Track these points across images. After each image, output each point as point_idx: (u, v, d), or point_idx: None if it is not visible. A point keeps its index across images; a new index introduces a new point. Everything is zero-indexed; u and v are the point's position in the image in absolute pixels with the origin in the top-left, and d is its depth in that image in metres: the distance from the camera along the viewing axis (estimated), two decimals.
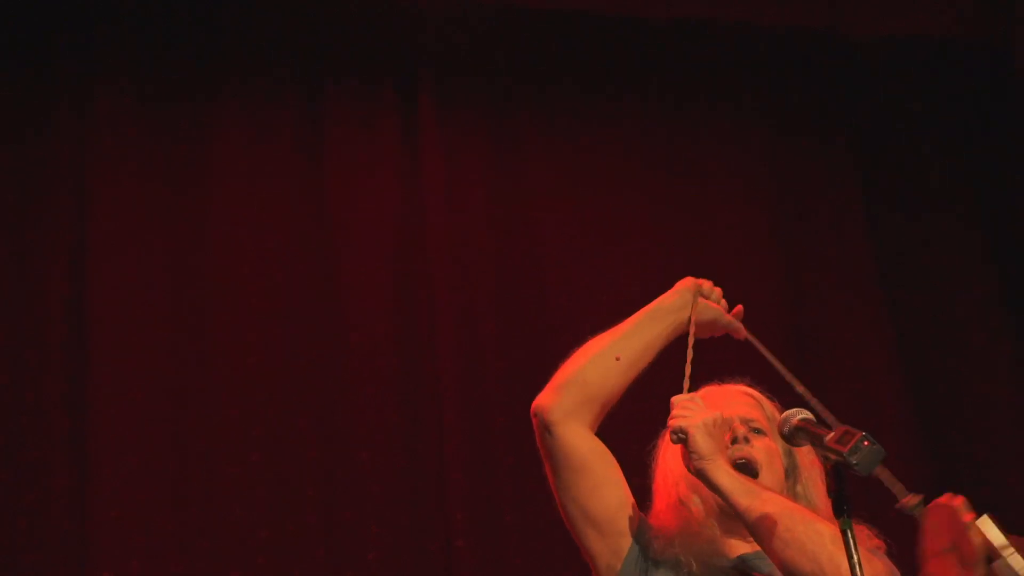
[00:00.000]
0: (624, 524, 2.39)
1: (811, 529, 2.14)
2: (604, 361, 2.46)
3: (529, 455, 4.46)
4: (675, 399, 2.34)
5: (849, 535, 1.97)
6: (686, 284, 2.59)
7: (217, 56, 4.72)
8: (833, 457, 2.02)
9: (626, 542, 2.39)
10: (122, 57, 4.61)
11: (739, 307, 2.64)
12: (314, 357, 4.48)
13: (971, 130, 5.44)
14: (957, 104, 5.45)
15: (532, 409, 2.48)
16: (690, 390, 2.42)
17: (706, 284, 2.60)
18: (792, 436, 2.19)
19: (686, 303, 2.55)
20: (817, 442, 2.08)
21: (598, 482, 2.41)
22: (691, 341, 2.49)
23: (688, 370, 2.43)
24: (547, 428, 2.43)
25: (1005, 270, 5.24)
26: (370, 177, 4.72)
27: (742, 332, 2.63)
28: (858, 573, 1.93)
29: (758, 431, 2.46)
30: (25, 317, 4.28)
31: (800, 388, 2.45)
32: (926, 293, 5.17)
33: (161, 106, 4.60)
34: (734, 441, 2.41)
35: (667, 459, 2.51)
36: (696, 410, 2.30)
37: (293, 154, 4.69)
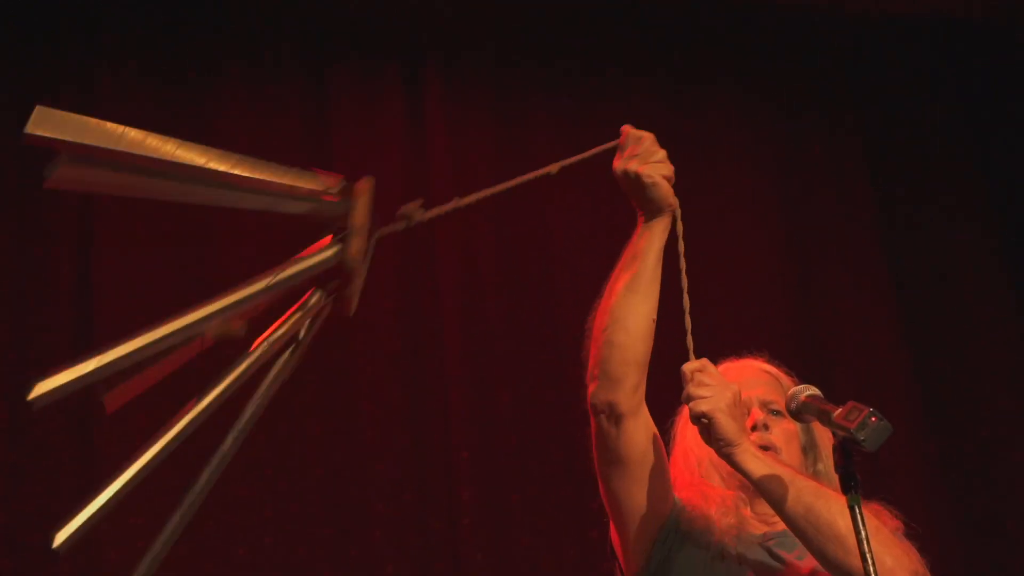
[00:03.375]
0: (665, 509, 2.35)
1: (851, 522, 2.08)
2: (644, 330, 2.31)
3: (534, 435, 4.49)
4: (687, 369, 2.24)
5: (857, 511, 1.97)
6: (667, 201, 2.38)
7: (221, 35, 4.71)
8: (840, 433, 2.01)
9: (661, 525, 2.35)
10: (127, 37, 4.61)
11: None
12: (319, 338, 4.46)
13: (978, 109, 5.43)
14: (964, 84, 5.43)
15: (595, 406, 2.31)
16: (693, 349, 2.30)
17: (653, 173, 2.38)
18: (799, 412, 2.18)
19: (667, 228, 2.39)
20: (824, 418, 2.07)
21: (645, 474, 2.33)
22: (687, 305, 2.33)
23: (689, 323, 2.29)
24: (616, 422, 2.30)
25: (1011, 248, 5.23)
26: (375, 155, 4.71)
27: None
28: (866, 548, 1.93)
29: (777, 413, 2.43)
30: (31, 300, 4.28)
31: None
32: (932, 271, 5.16)
33: (166, 86, 4.59)
34: (753, 428, 2.38)
35: (686, 437, 2.47)
36: (715, 388, 2.21)
37: (298, 132, 4.68)
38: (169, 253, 4.44)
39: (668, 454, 2.49)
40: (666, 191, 2.37)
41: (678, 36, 5.18)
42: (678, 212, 2.40)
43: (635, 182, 2.37)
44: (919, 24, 5.44)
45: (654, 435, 2.35)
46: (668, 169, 2.39)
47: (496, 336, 4.62)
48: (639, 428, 2.32)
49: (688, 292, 2.35)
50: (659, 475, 2.34)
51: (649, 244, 2.37)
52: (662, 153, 2.40)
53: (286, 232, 4.56)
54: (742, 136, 5.13)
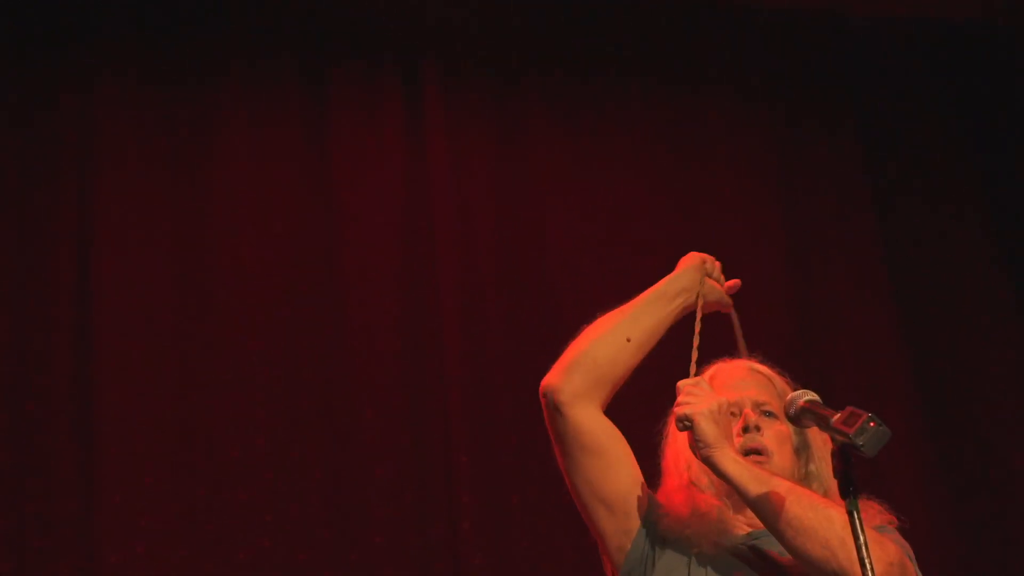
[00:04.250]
0: (634, 503, 2.38)
1: (822, 515, 2.12)
2: (614, 341, 2.43)
3: (534, 437, 4.47)
4: (681, 384, 2.32)
5: (855, 516, 1.97)
6: (693, 262, 2.58)
7: (221, 40, 4.71)
8: (839, 438, 2.01)
9: (635, 521, 2.38)
10: (127, 42, 4.61)
11: (736, 281, 2.65)
12: (319, 340, 4.48)
13: (977, 112, 5.43)
14: (963, 86, 5.43)
15: (541, 389, 2.45)
16: (696, 372, 2.41)
17: (709, 260, 2.60)
18: (798, 417, 2.18)
19: (694, 282, 2.55)
20: (823, 423, 2.07)
21: (609, 462, 2.39)
22: (698, 327, 2.47)
23: (695, 355, 2.41)
24: (557, 409, 2.41)
25: (1010, 251, 5.23)
26: (375, 160, 4.71)
27: (730, 308, 2.65)
28: (865, 555, 1.93)
29: (769, 414, 2.44)
30: (31, 301, 4.28)
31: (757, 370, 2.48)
32: (931, 274, 5.16)
33: (166, 91, 4.59)
34: (745, 430, 2.39)
35: (676, 441, 2.49)
36: (701, 396, 2.28)
37: (297, 137, 4.68)
38: (168, 253, 4.45)
39: (660, 458, 2.52)
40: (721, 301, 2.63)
41: (678, 40, 5.18)
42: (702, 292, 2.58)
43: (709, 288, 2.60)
44: (919, 27, 5.43)
45: (609, 430, 2.42)
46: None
47: (496, 337, 4.62)
48: (584, 417, 2.40)
49: (700, 334, 2.49)
50: (618, 466, 2.40)
51: (656, 286, 2.55)
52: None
53: (282, 230, 4.60)
54: (741, 141, 5.13)
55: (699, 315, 2.50)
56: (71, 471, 4.12)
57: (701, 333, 2.47)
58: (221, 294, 4.43)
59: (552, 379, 2.44)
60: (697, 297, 2.53)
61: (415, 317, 4.58)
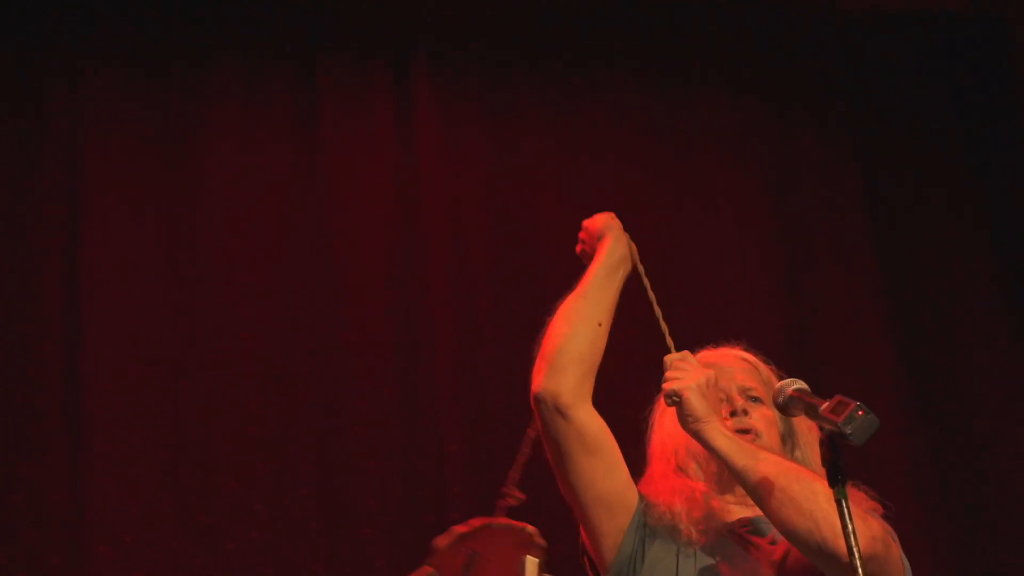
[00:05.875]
0: (631, 499, 2.38)
1: (807, 488, 2.13)
2: (590, 330, 2.43)
3: (525, 429, 4.48)
4: (668, 359, 2.32)
5: (844, 504, 1.97)
6: (613, 224, 2.59)
7: (210, 29, 4.70)
8: (827, 427, 2.01)
9: (630, 516, 2.37)
10: (115, 30, 4.60)
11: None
12: (309, 331, 4.47)
13: (968, 103, 5.43)
14: (955, 78, 5.42)
15: (536, 395, 2.41)
16: (673, 343, 2.40)
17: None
18: (787, 406, 2.18)
19: (626, 246, 2.55)
20: (812, 412, 2.07)
21: (610, 463, 2.37)
22: (652, 294, 2.45)
23: (664, 326, 2.40)
24: (561, 413, 2.37)
25: (1001, 242, 5.23)
26: (365, 149, 4.70)
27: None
28: (852, 542, 1.92)
29: (755, 400, 2.45)
30: (20, 292, 4.28)
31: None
32: (922, 265, 5.16)
33: (154, 79, 4.58)
34: (732, 414, 2.40)
35: (664, 426, 2.49)
36: (690, 371, 2.29)
37: (287, 126, 4.67)
38: (157, 243, 4.44)
39: (647, 444, 2.52)
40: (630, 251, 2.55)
41: (668, 32, 5.18)
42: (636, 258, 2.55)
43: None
44: (909, 17, 5.43)
45: (603, 427, 2.40)
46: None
47: (487, 331, 4.62)
48: (587, 417, 2.38)
49: (658, 303, 2.48)
50: (616, 464, 2.39)
51: (601, 262, 2.54)
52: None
53: (272, 220, 4.59)
54: (731, 132, 5.12)
55: (647, 281, 2.47)
56: (61, 462, 4.12)
57: (656, 299, 2.45)
58: (211, 284, 4.42)
59: (547, 384, 2.40)
60: (633, 262, 2.52)
61: (406, 307, 4.58)
